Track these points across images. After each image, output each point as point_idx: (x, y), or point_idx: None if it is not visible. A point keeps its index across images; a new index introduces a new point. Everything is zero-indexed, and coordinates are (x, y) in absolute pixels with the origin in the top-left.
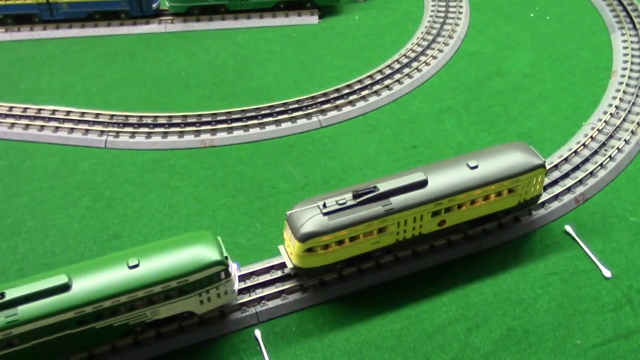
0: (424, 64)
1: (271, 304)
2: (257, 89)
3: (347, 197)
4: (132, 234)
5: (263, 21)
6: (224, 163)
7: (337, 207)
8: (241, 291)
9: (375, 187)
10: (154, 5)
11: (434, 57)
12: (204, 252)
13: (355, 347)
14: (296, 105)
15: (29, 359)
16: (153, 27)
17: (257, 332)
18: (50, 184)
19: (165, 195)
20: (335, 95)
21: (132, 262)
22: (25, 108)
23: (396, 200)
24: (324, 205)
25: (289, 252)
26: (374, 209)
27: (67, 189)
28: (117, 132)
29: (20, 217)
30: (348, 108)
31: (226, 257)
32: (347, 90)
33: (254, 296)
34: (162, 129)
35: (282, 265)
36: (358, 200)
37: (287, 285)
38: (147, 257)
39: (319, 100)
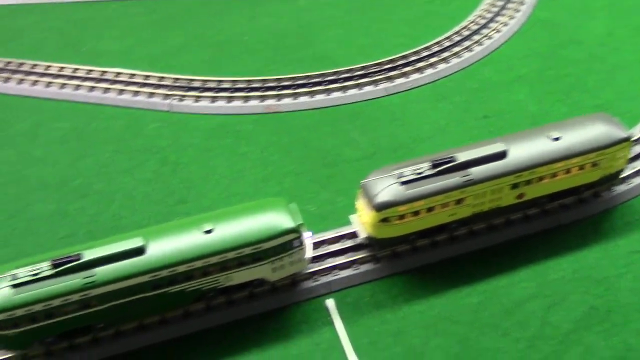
0: (494, 32)
1: (343, 273)
2: (321, 55)
3: (424, 167)
4: (199, 199)
5: None
6: (289, 129)
7: (415, 176)
8: (312, 260)
9: (453, 157)
10: None
11: (505, 24)
12: (278, 219)
13: (430, 321)
14: (362, 72)
15: (103, 320)
16: None
17: (329, 302)
18: (116, 146)
19: (231, 161)
20: (402, 62)
21: (207, 228)
22: (90, 70)
23: (476, 171)
24: (401, 175)
25: (363, 222)
26: (453, 180)
27: (132, 152)
28: (181, 96)
29: (87, 180)
30: (416, 75)
31: (300, 225)
32: (414, 57)
33: (325, 265)
34: (227, 94)
35: (353, 235)
36: (436, 170)
37: (358, 255)
38: (221, 222)
39: (386, 67)
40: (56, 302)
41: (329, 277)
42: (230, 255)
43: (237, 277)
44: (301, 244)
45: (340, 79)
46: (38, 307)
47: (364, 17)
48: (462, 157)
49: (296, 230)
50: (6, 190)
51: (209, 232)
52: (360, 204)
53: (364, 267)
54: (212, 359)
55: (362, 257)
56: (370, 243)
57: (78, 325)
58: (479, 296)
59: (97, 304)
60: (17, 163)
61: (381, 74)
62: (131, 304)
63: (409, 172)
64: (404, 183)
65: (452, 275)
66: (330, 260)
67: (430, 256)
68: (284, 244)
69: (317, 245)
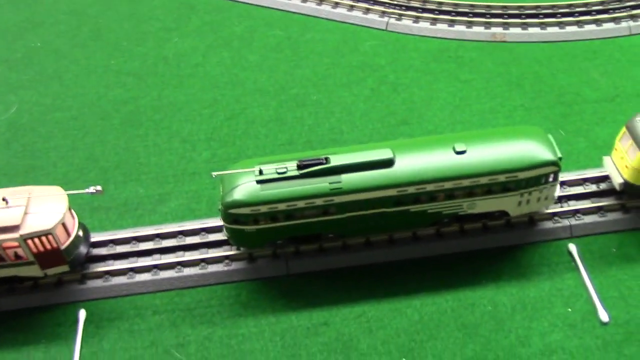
0: None
1: (587, 219)
2: None
3: None
4: (422, 123)
5: None
6: (518, 61)
7: None
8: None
9: None
10: None
11: None
12: (537, 149)
13: None
14: (600, 7)
15: (337, 231)
16: None
17: (572, 247)
18: (332, 60)
19: (455, 87)
20: None
21: (460, 148)
22: None
23: None
24: None
25: (622, 165)
26: None
27: (350, 67)
28: (400, 15)
29: (304, 90)
30: None
31: (560, 159)
32: None
33: (566, 207)
34: (449, 17)
35: (599, 180)
36: None
37: (605, 202)
38: (474, 144)
39: (628, 4)
40: (300, 204)
41: (572, 221)
42: (483, 180)
43: (481, 205)
44: (557, 179)
45: (575, 12)
46: (281, 207)
47: None
48: None
49: (557, 163)
50: (223, 92)
51: (461, 152)
52: (622, 145)
53: (611, 215)
54: (443, 286)
55: (609, 205)
56: (626, 190)
57: (313, 232)
58: None
59: (336, 212)
60: (232, 66)
61: (623, 11)
62: (370, 218)
63: None
64: None
65: None
66: (572, 203)
67: None
68: (540, 176)
69: None
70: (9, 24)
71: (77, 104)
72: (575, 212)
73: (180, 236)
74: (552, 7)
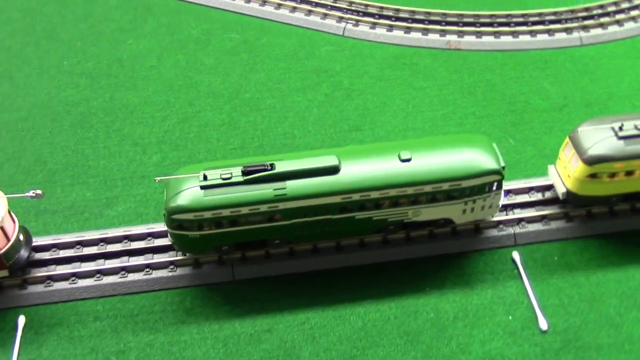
0: None
1: (531, 227)
2: None
3: None
4: (374, 129)
5: None
6: (471, 69)
7: (637, 132)
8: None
9: None
10: None
11: None
12: (481, 157)
13: (629, 292)
14: (554, 17)
15: (281, 237)
16: None
17: (516, 254)
18: (288, 64)
19: (408, 94)
20: (600, 12)
21: (405, 156)
22: None
23: None
24: (620, 128)
25: (565, 175)
26: None
27: (305, 72)
28: (357, 21)
29: (259, 94)
30: (614, 28)
31: (503, 167)
32: (613, 8)
33: (511, 216)
34: (405, 24)
35: (544, 188)
36: None
37: (549, 211)
38: (419, 152)
39: (580, 15)
40: (244, 210)
41: (516, 229)
42: (427, 188)
43: (425, 213)
44: (500, 188)
45: (529, 22)
46: (226, 212)
47: None
48: None
49: (500, 172)
50: (178, 95)
51: (406, 160)
52: (565, 155)
53: (554, 224)
54: (387, 294)
55: (553, 213)
56: (568, 199)
57: (257, 238)
58: None
59: (281, 219)
60: (187, 69)
61: (575, 22)
62: (314, 224)
63: (630, 126)
64: (623, 138)
65: None
66: (517, 211)
67: (630, 223)
68: (484, 185)
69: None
70: None
71: (27, 104)
72: (520, 221)
73: (125, 241)
74: (507, 16)
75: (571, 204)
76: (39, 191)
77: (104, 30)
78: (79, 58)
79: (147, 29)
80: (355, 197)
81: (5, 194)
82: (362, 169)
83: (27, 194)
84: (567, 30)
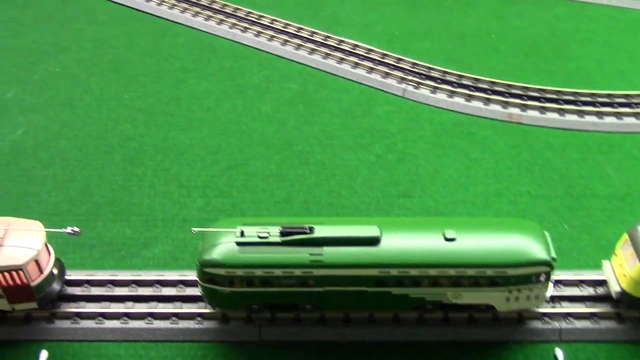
0: None
1: (578, 324)
2: (576, 71)
3: None
4: (423, 197)
5: None
6: (531, 145)
7: None
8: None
9: None
10: None
11: None
12: (531, 246)
13: None
14: (623, 100)
15: (312, 303)
16: None
17: (559, 352)
18: (343, 120)
19: (462, 164)
20: None
21: (450, 235)
22: (327, 37)
23: None
24: None
25: (621, 273)
26: None
27: (359, 130)
28: (418, 84)
29: (310, 148)
30: None
31: (554, 259)
32: None
33: (558, 309)
34: (466, 91)
35: (596, 283)
36: None
37: (599, 309)
38: (464, 232)
39: None
40: (278, 272)
41: (562, 324)
42: (470, 272)
43: (466, 296)
44: (548, 279)
45: (597, 102)
46: (258, 272)
47: (628, 38)
48: None
49: (550, 264)
50: (230, 140)
51: (451, 240)
52: (622, 252)
53: (604, 324)
54: None
55: (604, 312)
56: (622, 299)
57: (288, 301)
58: None
59: (314, 285)
60: (243, 114)
61: None
62: (350, 294)
63: None
64: None
65: None
66: (565, 304)
67: None
68: (531, 275)
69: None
70: (33, 46)
71: (83, 134)
72: (566, 315)
73: (157, 285)
74: (574, 94)
75: (625, 305)
76: (76, 228)
77: (167, 68)
78: (139, 93)
79: (209, 70)
80: (394, 272)
81: (46, 227)
82: (403, 243)
83: (65, 230)
84: (637, 115)
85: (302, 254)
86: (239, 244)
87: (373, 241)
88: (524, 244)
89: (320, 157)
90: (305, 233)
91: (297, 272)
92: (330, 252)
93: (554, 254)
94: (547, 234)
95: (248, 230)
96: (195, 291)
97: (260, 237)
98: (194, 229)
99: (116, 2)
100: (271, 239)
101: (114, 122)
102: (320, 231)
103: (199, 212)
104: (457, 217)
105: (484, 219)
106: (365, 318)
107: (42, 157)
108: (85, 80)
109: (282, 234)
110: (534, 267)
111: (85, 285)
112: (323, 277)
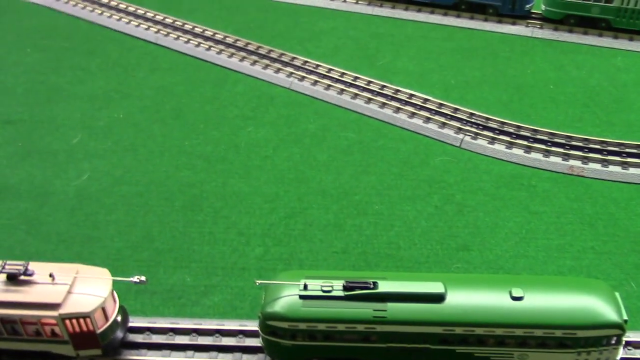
0: None
1: None
2: (637, 123)
3: None
4: (483, 250)
5: None
6: (594, 199)
7: None
8: None
9: None
10: (527, 6)
11: None
12: (602, 307)
13: None
14: None
15: (378, 357)
16: (519, 29)
17: None
18: (400, 170)
19: (523, 218)
20: None
21: (517, 294)
22: (383, 86)
23: None
24: None
25: None
26: None
27: (417, 181)
28: (476, 134)
29: (367, 198)
30: None
31: (626, 321)
32: None
33: None
34: (525, 142)
35: None
36: None
37: None
38: (533, 291)
39: None
40: (340, 327)
41: None
42: (537, 332)
43: (533, 357)
44: (619, 342)
45: None
46: (321, 327)
47: None
48: None
49: (621, 326)
50: (288, 188)
51: (518, 299)
52: None
53: None
54: None
55: None
56: None
57: (350, 355)
58: None
59: (377, 340)
60: (300, 163)
61: None
62: (413, 351)
63: None
64: None
65: None
66: None
67: None
68: (602, 337)
69: None
70: (99, 92)
71: (145, 180)
72: None
73: (217, 335)
74: (638, 147)
75: None
76: (143, 277)
77: (226, 115)
78: (199, 140)
79: (267, 118)
80: (459, 330)
81: (110, 272)
82: (469, 300)
83: (132, 279)
84: None
85: (366, 309)
86: (302, 297)
87: (438, 298)
88: (595, 305)
89: (378, 207)
90: (368, 288)
91: (360, 327)
92: (394, 308)
93: (625, 316)
94: (617, 294)
95: (312, 283)
96: (256, 342)
97: (323, 291)
98: (257, 280)
99: (178, 51)
100: (334, 293)
101: (175, 168)
102: (384, 286)
103: (258, 261)
104: (522, 274)
105: (551, 277)
106: None
107: (105, 203)
108: (147, 126)
109: (346, 288)
110: (606, 330)
111: (147, 332)
112: (386, 333)
